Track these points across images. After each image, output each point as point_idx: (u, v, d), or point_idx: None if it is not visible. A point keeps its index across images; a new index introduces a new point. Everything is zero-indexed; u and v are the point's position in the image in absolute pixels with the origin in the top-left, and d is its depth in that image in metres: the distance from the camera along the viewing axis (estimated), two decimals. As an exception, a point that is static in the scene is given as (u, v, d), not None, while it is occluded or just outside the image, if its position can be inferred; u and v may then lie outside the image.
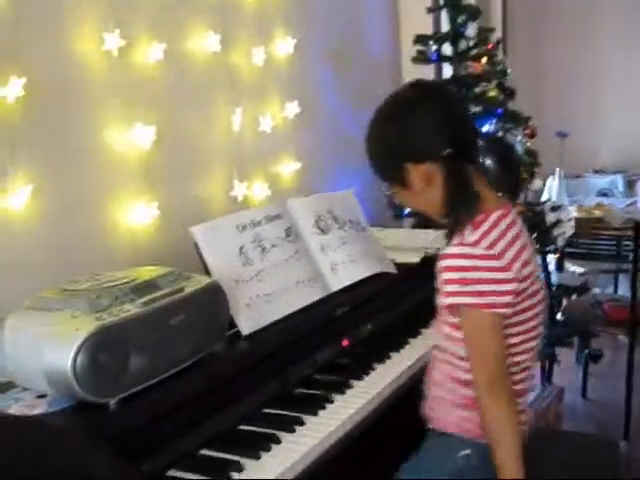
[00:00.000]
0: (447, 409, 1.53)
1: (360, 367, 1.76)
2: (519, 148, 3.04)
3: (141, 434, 1.28)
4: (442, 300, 1.45)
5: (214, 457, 1.36)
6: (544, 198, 3.53)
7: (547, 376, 3.26)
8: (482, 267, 1.37)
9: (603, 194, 4.23)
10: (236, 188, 2.32)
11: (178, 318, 1.36)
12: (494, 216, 1.41)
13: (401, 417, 1.71)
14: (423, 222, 3.15)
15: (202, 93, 2.21)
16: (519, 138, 3.08)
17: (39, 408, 1.24)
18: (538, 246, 3.08)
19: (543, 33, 4.96)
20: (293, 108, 2.61)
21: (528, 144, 3.13)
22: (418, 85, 1.53)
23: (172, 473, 1.30)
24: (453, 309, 1.43)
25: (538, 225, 3.05)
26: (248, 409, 1.53)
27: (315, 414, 1.53)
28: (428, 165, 1.43)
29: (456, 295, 1.40)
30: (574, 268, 4.21)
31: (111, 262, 1.85)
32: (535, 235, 3.05)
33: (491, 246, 1.38)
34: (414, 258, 2.28)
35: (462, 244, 1.40)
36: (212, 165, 2.26)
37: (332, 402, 1.59)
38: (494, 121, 3.02)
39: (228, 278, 1.62)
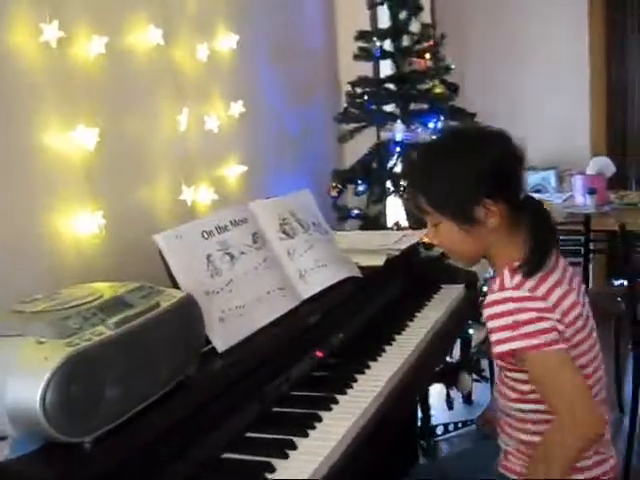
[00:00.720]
0: None
1: (341, 380, 1.62)
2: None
3: (119, 476, 1.10)
4: (495, 349, 1.35)
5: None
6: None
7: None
8: (529, 308, 1.31)
9: (536, 190, 4.23)
10: (185, 192, 2.14)
11: (156, 338, 1.18)
12: (527, 267, 1.35)
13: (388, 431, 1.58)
14: (368, 225, 3.06)
15: (146, 90, 2.03)
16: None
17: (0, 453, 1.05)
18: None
19: (470, 19, 4.89)
20: (238, 107, 2.46)
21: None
22: (491, 128, 1.44)
23: (158, 517, 1.13)
24: (506, 357, 1.35)
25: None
26: (231, 435, 1.37)
27: (306, 435, 1.38)
28: (504, 204, 1.37)
29: (508, 341, 1.32)
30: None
31: (54, 275, 1.67)
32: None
33: (533, 289, 1.33)
34: (378, 261, 2.17)
35: (504, 288, 1.34)
36: (158, 168, 2.08)
37: (320, 420, 1.44)
38: (440, 118, 2.94)
39: (198, 290, 1.45)
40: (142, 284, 1.29)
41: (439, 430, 3.21)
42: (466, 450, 2.06)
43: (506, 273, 1.35)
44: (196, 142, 2.23)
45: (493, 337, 1.34)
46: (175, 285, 1.47)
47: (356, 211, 3.00)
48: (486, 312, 1.35)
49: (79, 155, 1.74)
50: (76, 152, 1.74)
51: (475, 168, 1.35)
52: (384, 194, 3.05)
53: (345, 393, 1.57)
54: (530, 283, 1.33)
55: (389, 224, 3.22)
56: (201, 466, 1.26)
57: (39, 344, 1.04)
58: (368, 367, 1.72)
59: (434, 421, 3.18)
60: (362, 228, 3.09)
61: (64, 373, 1.01)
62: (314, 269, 1.84)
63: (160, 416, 1.20)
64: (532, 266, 1.33)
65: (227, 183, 2.43)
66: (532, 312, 1.30)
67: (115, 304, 1.18)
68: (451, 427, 3.25)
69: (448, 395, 3.32)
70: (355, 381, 1.63)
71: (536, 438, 1.39)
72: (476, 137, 1.41)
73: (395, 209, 3.31)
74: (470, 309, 2.46)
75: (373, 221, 3.12)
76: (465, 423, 3.24)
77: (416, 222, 3.01)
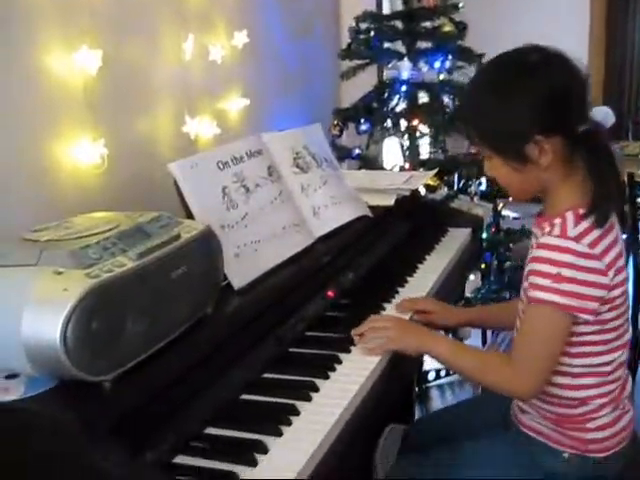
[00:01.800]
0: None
1: (358, 321, 1.55)
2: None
3: (139, 417, 1.03)
4: (529, 293, 1.27)
5: (227, 437, 1.13)
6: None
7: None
8: (580, 266, 1.22)
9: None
10: (188, 124, 2.03)
11: (179, 271, 1.10)
12: (595, 215, 1.26)
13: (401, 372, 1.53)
14: (366, 166, 2.98)
15: (151, 15, 1.91)
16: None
17: (14, 392, 0.97)
18: (492, 190, 2.96)
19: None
20: (242, 38, 2.33)
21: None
22: (544, 49, 1.29)
23: (181, 460, 1.06)
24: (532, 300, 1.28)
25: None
26: (249, 376, 1.30)
27: (326, 377, 1.32)
28: (559, 140, 1.25)
29: (547, 291, 1.24)
30: (506, 213, 4.16)
31: (55, 208, 1.57)
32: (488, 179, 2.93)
33: (593, 245, 1.24)
34: (387, 201, 2.09)
35: (566, 237, 1.24)
36: (162, 97, 1.97)
37: (340, 362, 1.38)
38: (447, 58, 2.83)
39: (213, 223, 1.36)
40: (160, 213, 1.20)
41: (431, 376, 3.19)
42: (467, 401, 2.03)
43: (570, 218, 1.25)
44: (200, 73, 2.11)
45: (531, 278, 1.27)
46: (189, 217, 1.38)
47: (357, 151, 2.90)
48: (538, 252, 1.26)
49: (81, 79, 1.63)
50: (78, 76, 1.62)
51: (528, 101, 1.24)
52: (385, 134, 2.96)
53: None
54: (591, 237, 1.24)
55: (385, 165, 3.14)
56: (221, 407, 1.20)
57: (57, 274, 0.95)
58: (383, 309, 1.66)
59: (426, 367, 3.16)
60: (361, 168, 3.00)
61: (86, 306, 0.92)
62: (328, 206, 1.75)
63: (179, 355, 1.13)
64: (600, 215, 1.25)
65: (229, 117, 2.33)
66: (583, 272, 1.23)
67: (134, 234, 1.10)
68: (443, 373, 3.22)
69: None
70: (372, 323, 1.56)
71: (551, 388, 1.35)
72: (529, 65, 1.26)
73: (393, 150, 3.24)
74: (476, 254, 2.41)
75: (371, 161, 3.03)
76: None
77: (413, 164, 2.95)
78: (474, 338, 3.28)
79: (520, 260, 3.22)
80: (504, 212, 4.08)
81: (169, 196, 1.47)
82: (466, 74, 2.95)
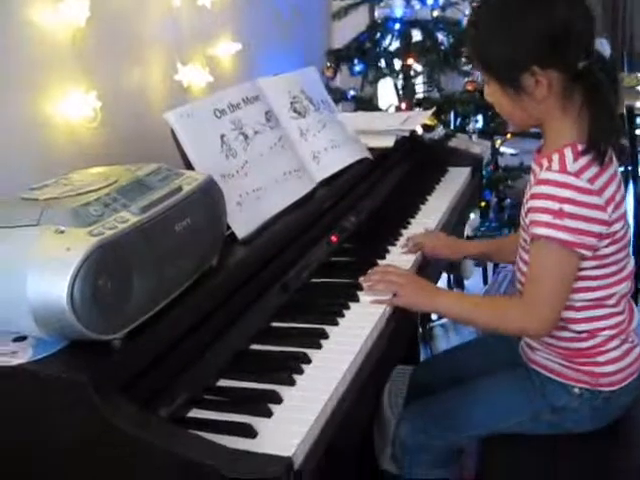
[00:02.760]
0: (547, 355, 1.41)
1: (364, 265, 1.54)
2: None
3: (151, 373, 1.02)
4: (532, 229, 1.26)
5: (240, 389, 1.12)
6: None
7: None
8: (581, 202, 1.21)
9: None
10: (180, 72, 1.98)
11: (183, 223, 1.08)
12: (593, 151, 1.24)
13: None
14: (361, 107, 2.93)
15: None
16: (466, 12, 2.84)
17: (23, 355, 0.95)
18: (489, 127, 2.92)
19: None
20: (230, -22, 2.26)
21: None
22: None
23: (195, 414, 1.06)
24: (535, 238, 1.26)
25: (487, 105, 2.86)
26: (258, 325, 1.29)
27: (336, 323, 1.31)
28: (557, 74, 1.23)
29: (548, 227, 1.23)
30: (504, 149, 4.12)
31: (49, 164, 1.53)
32: (486, 116, 2.89)
33: (592, 180, 1.22)
34: (387, 142, 2.06)
35: (565, 172, 1.22)
36: (152, 46, 1.90)
37: (348, 308, 1.37)
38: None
39: (213, 173, 1.33)
40: (159, 165, 1.17)
41: (434, 315, 3.20)
42: (473, 341, 2.04)
43: (568, 154, 1.24)
44: (190, 18, 2.05)
45: (532, 215, 1.25)
46: (188, 168, 1.35)
47: (352, 92, 2.84)
48: (538, 188, 1.24)
49: (70, 31, 1.57)
50: (66, 27, 1.56)
51: (529, 31, 1.21)
52: (380, 75, 2.90)
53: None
54: (590, 172, 1.23)
55: (381, 106, 3.09)
56: (231, 359, 1.19)
57: (59, 234, 0.93)
58: (388, 252, 1.65)
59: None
60: (356, 110, 2.95)
61: (90, 264, 0.90)
62: (328, 150, 1.72)
63: (186, 309, 1.12)
64: (597, 152, 1.24)
65: (221, 63, 2.26)
66: (583, 208, 1.21)
67: (134, 188, 1.07)
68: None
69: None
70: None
71: (558, 323, 1.34)
72: None
73: (388, 90, 3.18)
74: (477, 192, 2.39)
75: (366, 103, 2.98)
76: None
77: (409, 103, 2.90)
78: (475, 277, 3.29)
79: (519, 197, 3.22)
80: (502, 149, 4.05)
81: (165, 147, 1.44)
82: (460, 10, 2.89)
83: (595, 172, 1.23)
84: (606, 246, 1.27)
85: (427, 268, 1.64)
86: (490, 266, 3.27)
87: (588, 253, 1.25)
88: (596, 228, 1.23)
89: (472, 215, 2.94)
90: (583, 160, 1.23)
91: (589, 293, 1.32)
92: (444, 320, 3.20)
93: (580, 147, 1.24)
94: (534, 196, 1.25)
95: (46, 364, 0.93)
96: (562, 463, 1.38)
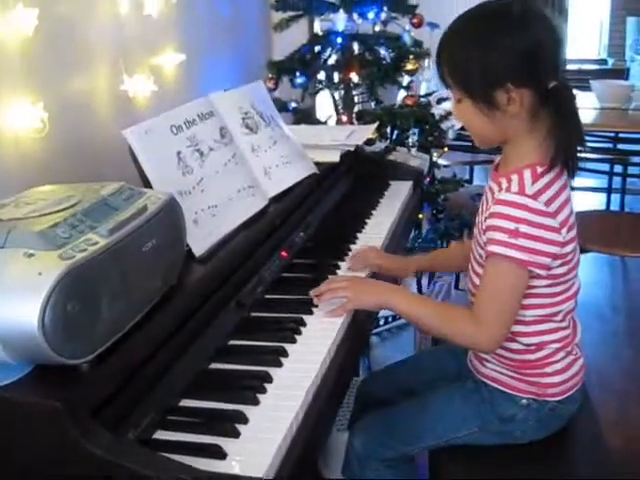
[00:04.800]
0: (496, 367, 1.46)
1: (316, 281, 1.56)
2: (407, 39, 2.87)
3: (118, 396, 1.01)
4: (488, 247, 1.30)
5: (205, 408, 1.12)
6: (423, 91, 3.42)
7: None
8: (536, 223, 1.26)
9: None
10: (126, 82, 1.96)
11: (149, 244, 1.07)
12: (553, 172, 1.30)
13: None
14: (301, 119, 2.95)
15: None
16: (407, 27, 2.90)
17: (-12, 379, 0.93)
18: (427, 140, 2.98)
19: None
20: (175, -12, 2.24)
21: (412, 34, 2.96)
22: (525, 3, 1.30)
23: (161, 436, 1.06)
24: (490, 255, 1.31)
25: (426, 119, 2.93)
26: (215, 344, 1.29)
27: (293, 341, 1.33)
28: (529, 92, 1.27)
29: (503, 245, 1.27)
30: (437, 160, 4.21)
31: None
32: (424, 129, 2.95)
33: (548, 203, 1.28)
34: (333, 157, 2.08)
35: (523, 194, 1.27)
36: (99, 55, 1.88)
37: (304, 325, 1.39)
38: (382, 9, 2.81)
39: (171, 190, 1.32)
40: (121, 184, 1.16)
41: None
42: (421, 354, 2.08)
43: (527, 176, 1.29)
44: (136, 28, 2.03)
45: (489, 234, 1.30)
46: (146, 185, 1.34)
47: (293, 104, 2.86)
48: (496, 208, 1.29)
49: (18, 40, 1.54)
50: (14, 37, 1.53)
51: (505, 49, 1.25)
52: (321, 87, 2.94)
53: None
54: (547, 195, 1.28)
55: (319, 117, 3.12)
56: (193, 379, 1.19)
57: (28, 257, 0.91)
58: (338, 267, 1.67)
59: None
60: (296, 121, 2.97)
61: (62, 289, 0.89)
62: (279, 166, 1.74)
63: (150, 330, 1.11)
64: (559, 170, 1.30)
65: (166, 73, 2.25)
66: (538, 229, 1.26)
67: (100, 209, 1.06)
68: (382, 322, 3.27)
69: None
70: (329, 283, 1.57)
71: (510, 343, 1.40)
72: (510, 15, 1.27)
73: (325, 103, 3.21)
74: (418, 206, 2.44)
75: (306, 115, 3.00)
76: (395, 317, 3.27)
77: (349, 116, 2.94)
78: (411, 287, 3.36)
79: (453, 209, 3.30)
80: (435, 159, 4.14)
81: (114, 157, 1.43)
82: (400, 25, 2.94)
83: (552, 195, 1.29)
84: (558, 266, 1.33)
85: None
86: (425, 276, 3.33)
87: (541, 272, 1.30)
88: (550, 249, 1.28)
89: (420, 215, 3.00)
90: (541, 183, 1.28)
91: (539, 310, 1.37)
92: (379, 329, 3.26)
93: (540, 169, 1.29)
94: (492, 215, 1.30)
95: (16, 390, 0.91)
96: (510, 471, 1.43)
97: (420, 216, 3.09)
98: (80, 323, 0.93)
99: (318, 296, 1.44)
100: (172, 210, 1.18)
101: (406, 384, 1.67)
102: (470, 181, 4.59)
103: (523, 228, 1.26)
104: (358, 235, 1.88)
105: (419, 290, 3.37)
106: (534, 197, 1.27)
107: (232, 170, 1.55)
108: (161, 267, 1.13)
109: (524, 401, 1.43)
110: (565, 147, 1.29)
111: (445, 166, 4.08)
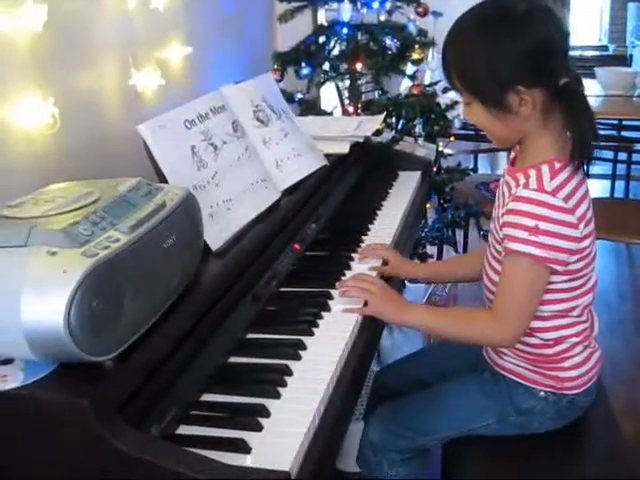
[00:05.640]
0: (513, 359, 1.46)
1: (331, 274, 1.56)
2: (412, 28, 2.85)
3: (141, 392, 1.01)
4: (507, 244, 1.30)
5: (226, 403, 1.12)
6: (428, 80, 3.39)
7: (439, 258, 3.25)
8: (555, 220, 1.25)
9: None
10: (134, 77, 1.95)
11: (170, 240, 1.07)
12: (571, 168, 1.29)
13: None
14: (307, 110, 2.94)
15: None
16: (412, 17, 2.89)
17: (14, 379, 0.93)
18: (434, 130, 2.98)
19: None
20: (181, -19, 2.23)
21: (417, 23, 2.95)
22: (531, 0, 1.27)
23: (184, 431, 1.06)
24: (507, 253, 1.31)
25: (431, 108, 2.93)
26: (233, 338, 1.30)
27: (311, 334, 1.33)
28: (540, 92, 1.26)
29: (522, 243, 1.27)
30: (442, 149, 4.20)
31: (9, 175, 1.50)
32: (430, 119, 2.95)
33: (567, 199, 1.27)
34: (343, 148, 2.08)
35: (543, 191, 1.26)
36: (108, 50, 1.87)
37: (321, 317, 1.39)
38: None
39: (186, 185, 1.33)
40: (138, 180, 1.16)
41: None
42: (436, 345, 2.09)
43: (546, 171, 1.28)
44: (142, 22, 2.02)
45: (507, 230, 1.30)
46: (161, 180, 1.34)
47: (299, 95, 2.85)
48: (515, 205, 1.28)
49: (28, 36, 1.53)
50: (24, 32, 1.53)
51: (513, 49, 1.23)
52: (326, 78, 2.93)
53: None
54: (566, 190, 1.27)
55: (324, 108, 3.11)
56: (214, 374, 1.19)
57: (52, 255, 0.91)
58: (351, 259, 1.67)
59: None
60: (302, 112, 2.96)
61: (87, 287, 0.89)
62: (290, 158, 1.73)
63: (171, 326, 1.11)
64: (576, 165, 1.29)
65: (172, 67, 2.24)
66: (558, 226, 1.26)
67: (119, 205, 1.06)
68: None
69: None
70: (344, 275, 1.58)
71: (528, 337, 1.40)
72: (516, 15, 1.25)
73: (330, 93, 3.20)
74: (427, 196, 2.44)
75: (312, 106, 2.99)
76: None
77: (355, 107, 2.93)
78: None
79: (460, 198, 3.29)
80: (441, 148, 4.13)
81: (125, 152, 1.43)
82: (405, 14, 2.93)
83: (570, 190, 1.28)
84: (576, 261, 1.33)
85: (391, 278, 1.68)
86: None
87: (559, 268, 1.30)
88: (568, 245, 1.28)
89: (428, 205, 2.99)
90: (560, 178, 1.28)
91: (557, 305, 1.37)
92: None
93: (557, 165, 1.29)
94: (510, 212, 1.29)
95: (43, 388, 0.92)
96: (527, 462, 1.44)
97: (427, 206, 3.09)
98: (104, 320, 0.93)
99: (343, 290, 1.44)
100: (190, 205, 1.18)
101: (421, 376, 1.67)
102: (475, 170, 4.58)
103: (543, 225, 1.25)
104: (370, 227, 1.88)
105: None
106: (553, 193, 1.26)
107: (245, 164, 1.54)
108: (181, 263, 1.13)
109: (542, 394, 1.43)
110: (581, 142, 1.28)
111: (450, 155, 4.07)
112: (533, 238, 1.25)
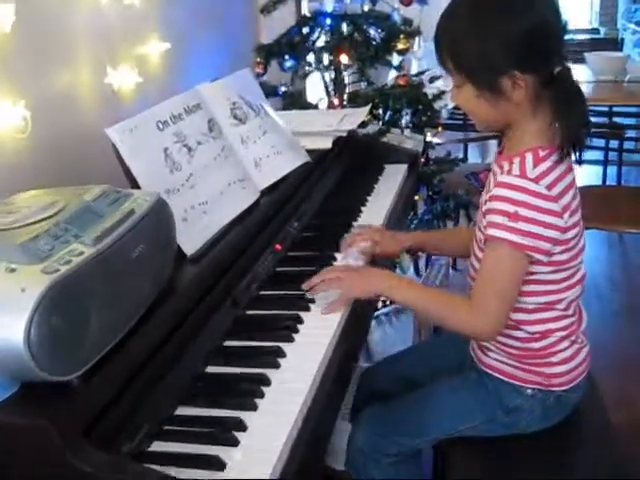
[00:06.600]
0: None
1: (308, 275, 1.52)
2: (397, 17, 2.81)
3: (110, 410, 0.98)
4: (487, 231, 1.27)
5: (202, 417, 1.09)
6: (415, 70, 3.35)
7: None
8: (537, 207, 1.23)
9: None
10: (110, 75, 1.91)
11: (138, 249, 1.03)
12: (556, 155, 1.26)
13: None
14: (291, 103, 2.89)
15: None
16: (396, 5, 2.84)
17: (-28, 400, 0.90)
18: (421, 120, 2.93)
19: None
20: (157, -26, 2.18)
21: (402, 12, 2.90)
22: None
23: (157, 448, 1.02)
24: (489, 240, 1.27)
25: (418, 98, 2.88)
26: (211, 346, 1.26)
27: (291, 340, 1.29)
28: (533, 78, 1.24)
29: (502, 229, 1.24)
30: (430, 138, 4.15)
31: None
32: (418, 110, 2.90)
33: (550, 187, 1.24)
34: (325, 143, 2.04)
35: (524, 177, 1.23)
36: (81, 48, 1.82)
37: (302, 322, 1.35)
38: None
39: (158, 189, 1.29)
40: (105, 188, 1.12)
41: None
42: (424, 343, 2.06)
43: (529, 159, 1.25)
44: (117, 17, 1.97)
45: (489, 217, 1.27)
46: (133, 184, 1.30)
47: (283, 88, 2.80)
48: (496, 191, 1.26)
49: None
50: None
51: (510, 33, 1.20)
52: (310, 69, 2.88)
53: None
54: (550, 178, 1.25)
55: (310, 100, 3.07)
56: (189, 385, 1.16)
57: (10, 272, 0.87)
58: (334, 258, 1.63)
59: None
60: (286, 106, 2.92)
61: (48, 305, 0.85)
62: (270, 156, 1.69)
63: (143, 337, 1.07)
64: (562, 155, 1.26)
65: (150, 63, 2.19)
66: (539, 213, 1.23)
67: (84, 215, 1.01)
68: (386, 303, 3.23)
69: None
70: (325, 275, 1.54)
71: (510, 324, 1.36)
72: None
73: (316, 85, 3.16)
74: (414, 189, 2.40)
75: (296, 98, 2.95)
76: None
77: (341, 98, 2.89)
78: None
79: (448, 188, 3.25)
80: (429, 139, 4.08)
81: (99, 154, 1.38)
82: (389, 4, 2.88)
83: (554, 178, 1.25)
84: (560, 252, 1.30)
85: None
86: (422, 259, 3.30)
87: (542, 257, 1.27)
88: (550, 233, 1.25)
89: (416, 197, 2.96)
90: (544, 166, 1.25)
91: (541, 297, 1.34)
92: (379, 312, 3.23)
93: (542, 152, 1.26)
94: (492, 198, 1.26)
95: (2, 411, 0.87)
96: (517, 462, 1.41)
97: (416, 198, 3.05)
98: (68, 338, 0.89)
99: (311, 288, 1.41)
100: (160, 211, 1.14)
101: (408, 375, 1.64)
102: (465, 160, 4.54)
103: (523, 211, 1.23)
104: (353, 224, 1.84)
105: (416, 271, 3.34)
106: (535, 180, 1.24)
107: (222, 164, 1.50)
108: (151, 272, 1.09)
109: (529, 391, 1.40)
110: (572, 132, 1.25)
111: (439, 144, 4.02)
112: (512, 224, 1.23)
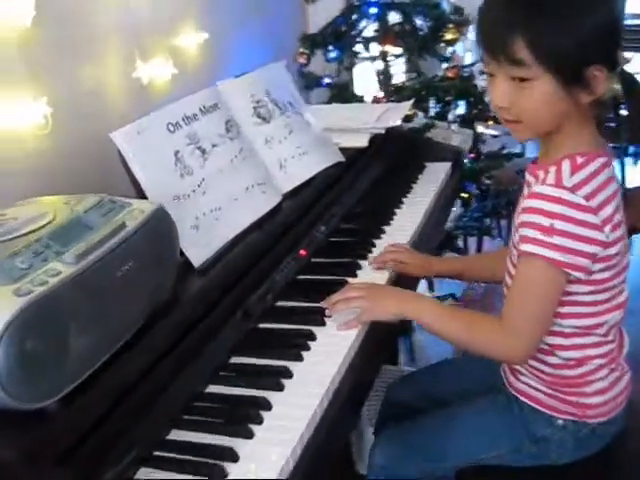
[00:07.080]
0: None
1: (333, 286, 1.44)
2: (446, 6, 2.69)
3: (93, 436, 0.92)
4: (520, 246, 1.17)
5: (193, 443, 1.03)
6: (468, 61, 3.22)
7: (479, 249, 3.11)
8: (574, 219, 1.12)
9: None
10: (139, 69, 1.86)
11: (125, 267, 0.98)
12: (597, 163, 1.15)
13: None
14: (337, 94, 2.81)
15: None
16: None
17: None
18: (471, 113, 2.81)
19: None
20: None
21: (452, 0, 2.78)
22: None
23: (144, 475, 0.97)
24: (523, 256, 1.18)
25: (469, 91, 2.76)
26: (215, 362, 1.20)
27: (300, 358, 1.22)
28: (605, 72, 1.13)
29: (535, 244, 1.13)
30: (482, 130, 4.01)
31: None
32: (468, 102, 2.79)
33: (589, 197, 1.12)
34: (361, 141, 1.95)
35: (560, 186, 1.12)
36: (107, 41, 1.78)
37: (314, 339, 1.28)
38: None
39: (166, 195, 1.24)
40: (101, 197, 1.06)
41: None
42: (453, 360, 1.95)
43: (566, 167, 1.14)
44: (148, 7, 1.92)
45: (522, 230, 1.17)
46: (139, 191, 1.25)
47: (327, 79, 2.72)
48: (530, 202, 1.15)
49: (14, 32, 1.45)
50: (10, 29, 1.44)
51: (592, 26, 1.10)
52: (355, 60, 2.79)
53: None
54: (589, 188, 1.13)
55: (357, 92, 2.97)
56: (187, 405, 1.10)
57: (-21, 294, 0.83)
58: (359, 267, 1.55)
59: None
60: (331, 97, 2.84)
61: (18, 330, 0.81)
62: (295, 157, 1.62)
63: (134, 357, 1.02)
64: (601, 160, 1.16)
65: (187, 54, 2.14)
66: (576, 226, 1.12)
67: (71, 229, 0.96)
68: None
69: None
70: (349, 286, 1.46)
71: (544, 348, 1.26)
72: None
73: (365, 76, 3.06)
74: (457, 189, 2.29)
75: (342, 90, 2.86)
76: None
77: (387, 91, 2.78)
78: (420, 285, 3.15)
79: (502, 184, 3.12)
80: (485, 132, 3.94)
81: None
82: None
83: (594, 188, 1.14)
84: (601, 271, 1.19)
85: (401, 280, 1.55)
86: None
87: (580, 275, 1.16)
88: (590, 248, 1.14)
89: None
90: (582, 174, 1.14)
91: (579, 320, 1.23)
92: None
93: (580, 159, 1.15)
94: (526, 210, 1.16)
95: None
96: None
97: (467, 195, 2.93)
98: (43, 363, 0.84)
99: (330, 307, 1.33)
100: (159, 224, 1.08)
101: (435, 392, 1.55)
102: (521, 154, 4.36)
103: (559, 224, 1.12)
104: (385, 229, 1.75)
105: (430, 286, 3.18)
106: (572, 190, 1.13)
107: (239, 167, 1.44)
108: (144, 289, 1.03)
109: (560, 422, 1.29)
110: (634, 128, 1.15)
111: (495, 136, 3.88)
112: (547, 239, 1.12)
